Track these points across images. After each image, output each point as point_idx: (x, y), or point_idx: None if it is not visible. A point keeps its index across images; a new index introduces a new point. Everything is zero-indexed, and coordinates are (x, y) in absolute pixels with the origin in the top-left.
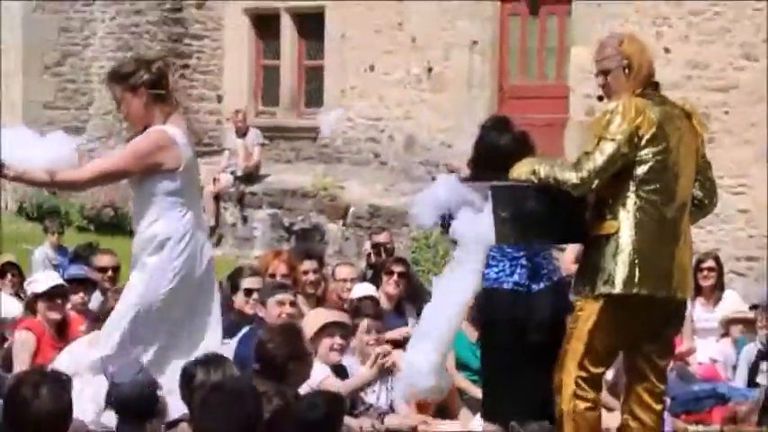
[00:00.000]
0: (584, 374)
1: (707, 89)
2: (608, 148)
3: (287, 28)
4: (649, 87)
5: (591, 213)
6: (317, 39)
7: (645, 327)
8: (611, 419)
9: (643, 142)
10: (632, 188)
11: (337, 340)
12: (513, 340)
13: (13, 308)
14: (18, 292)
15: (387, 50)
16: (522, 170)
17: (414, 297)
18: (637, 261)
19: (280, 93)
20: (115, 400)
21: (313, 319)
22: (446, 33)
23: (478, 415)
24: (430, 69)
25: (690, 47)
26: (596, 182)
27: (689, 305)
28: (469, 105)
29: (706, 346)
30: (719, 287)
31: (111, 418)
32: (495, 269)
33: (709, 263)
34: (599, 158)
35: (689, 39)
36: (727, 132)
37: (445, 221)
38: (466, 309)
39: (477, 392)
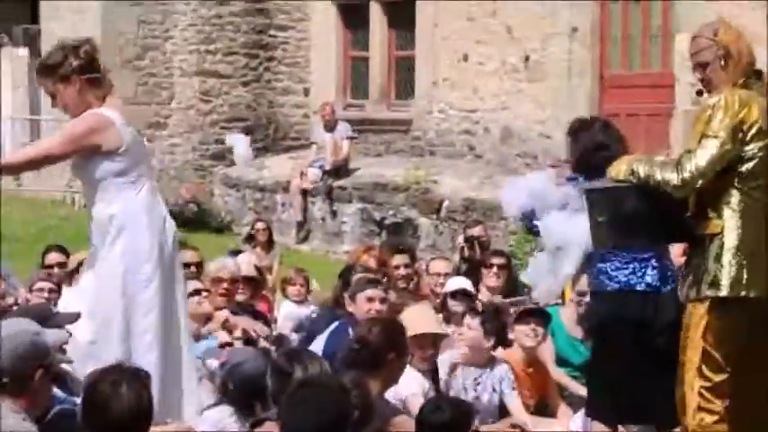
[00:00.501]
0: (706, 384)
1: None
2: (711, 145)
3: (376, 17)
4: (752, 76)
5: (693, 212)
6: (408, 28)
7: (757, 328)
8: None
9: (748, 137)
10: (737, 185)
11: (428, 351)
12: (638, 342)
13: None
14: None
15: (481, 40)
16: (620, 168)
17: (513, 291)
18: (744, 262)
19: (369, 85)
20: (239, 381)
21: (410, 321)
22: (544, 21)
23: (580, 412)
24: (527, 58)
25: None
26: (700, 182)
27: None
28: (569, 95)
29: None
30: None
31: (215, 415)
32: (625, 271)
33: None
34: (702, 157)
35: None
36: None
37: (527, 218)
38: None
39: (577, 389)
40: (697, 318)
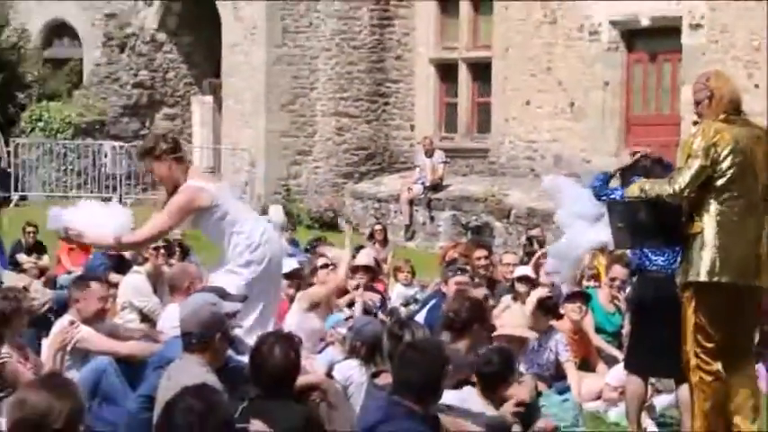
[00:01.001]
0: (699, 349)
1: None
2: (694, 163)
3: (463, 74)
4: (733, 113)
5: (685, 217)
6: (486, 81)
7: (733, 306)
8: None
9: (721, 157)
10: (714, 196)
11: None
12: (668, 314)
13: None
14: None
15: (539, 90)
16: (633, 189)
17: None
18: (717, 254)
19: (458, 122)
20: (364, 338)
21: (503, 321)
22: (585, 77)
23: (615, 367)
24: (572, 104)
25: None
26: (687, 191)
27: None
28: (603, 131)
29: None
30: None
31: (344, 367)
32: (662, 257)
33: None
34: (687, 173)
35: None
36: None
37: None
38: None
39: (611, 350)
40: (688, 299)
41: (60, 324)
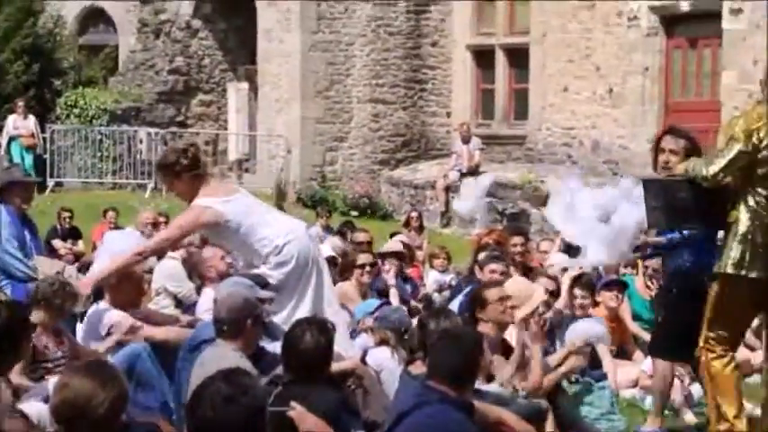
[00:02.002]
0: (711, 335)
1: None
2: (734, 147)
3: (500, 60)
4: None
5: (729, 204)
6: (524, 68)
7: (759, 301)
8: (755, 357)
9: (763, 143)
10: (753, 185)
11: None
12: (696, 303)
13: None
14: None
15: (577, 76)
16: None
17: None
18: (749, 247)
19: (495, 109)
20: (390, 327)
21: (513, 288)
22: (623, 62)
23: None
24: (611, 90)
25: None
26: (722, 175)
27: None
28: (642, 117)
29: None
30: None
31: (377, 353)
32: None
33: None
34: (726, 156)
35: None
36: None
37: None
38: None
39: (648, 338)
40: (715, 286)
41: (119, 315)
